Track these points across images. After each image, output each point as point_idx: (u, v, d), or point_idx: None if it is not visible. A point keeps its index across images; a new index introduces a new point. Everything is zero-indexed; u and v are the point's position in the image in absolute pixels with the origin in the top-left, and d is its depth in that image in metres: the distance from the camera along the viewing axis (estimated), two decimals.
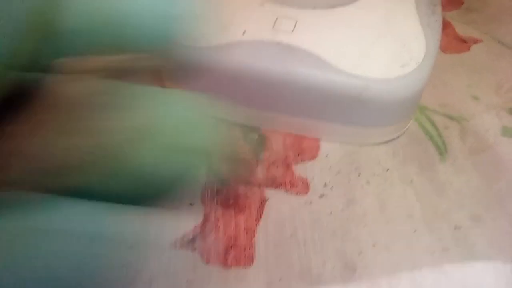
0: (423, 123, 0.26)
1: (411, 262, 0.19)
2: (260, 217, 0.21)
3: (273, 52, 0.22)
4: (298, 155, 0.24)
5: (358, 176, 0.23)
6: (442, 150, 0.24)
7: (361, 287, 0.17)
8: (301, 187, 0.22)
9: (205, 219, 0.21)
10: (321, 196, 0.22)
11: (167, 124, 0.11)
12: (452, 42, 0.32)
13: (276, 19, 0.23)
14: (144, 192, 0.11)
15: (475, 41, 0.32)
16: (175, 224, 0.20)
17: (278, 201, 0.21)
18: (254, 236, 0.20)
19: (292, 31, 0.23)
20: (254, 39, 0.23)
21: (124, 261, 0.18)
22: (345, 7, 0.24)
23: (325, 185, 0.22)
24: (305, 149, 0.24)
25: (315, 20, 0.23)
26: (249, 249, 0.19)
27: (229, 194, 0.22)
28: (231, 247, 0.19)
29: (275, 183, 0.22)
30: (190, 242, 0.19)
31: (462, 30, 0.32)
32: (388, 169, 0.23)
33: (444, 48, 0.31)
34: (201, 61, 0.23)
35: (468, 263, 0.18)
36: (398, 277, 0.17)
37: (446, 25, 0.33)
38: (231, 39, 0.23)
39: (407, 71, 0.22)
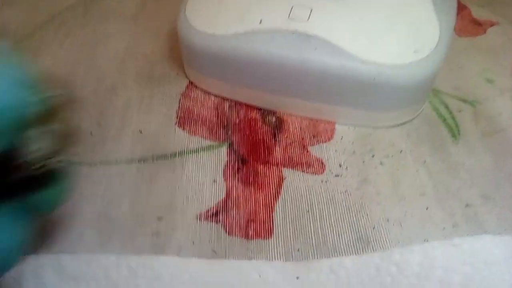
0: (436, 106, 0.26)
1: (422, 236, 0.20)
2: (279, 194, 0.22)
3: (289, 40, 0.23)
4: (314, 137, 0.25)
5: (372, 157, 0.24)
6: (455, 132, 0.25)
7: (374, 257, 0.18)
8: (317, 167, 0.24)
9: (227, 195, 0.22)
10: (336, 175, 0.23)
11: None
12: (468, 25, 0.32)
13: (292, 8, 0.24)
14: None
15: (491, 24, 0.32)
16: (200, 199, 0.22)
17: (295, 180, 0.23)
18: (273, 211, 0.21)
19: (307, 19, 0.23)
20: (271, 28, 0.24)
21: (155, 230, 0.20)
22: None
23: (340, 165, 0.24)
24: (320, 132, 0.25)
25: (330, 8, 0.24)
26: (269, 223, 0.21)
27: (249, 173, 0.23)
28: (251, 220, 0.21)
29: (292, 163, 0.24)
30: (214, 215, 0.21)
31: (478, 13, 0.32)
32: (401, 151, 0.24)
33: (460, 31, 0.31)
34: (220, 48, 0.25)
35: (477, 236, 0.18)
36: (410, 248, 0.18)
37: (462, 8, 0.33)
38: (248, 28, 0.24)
39: (420, 57, 0.23)
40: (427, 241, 0.19)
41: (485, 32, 0.31)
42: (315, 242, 0.20)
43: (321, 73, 0.23)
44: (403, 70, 0.22)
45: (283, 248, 0.20)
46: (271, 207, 0.22)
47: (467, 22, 0.32)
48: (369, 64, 0.22)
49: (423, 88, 0.24)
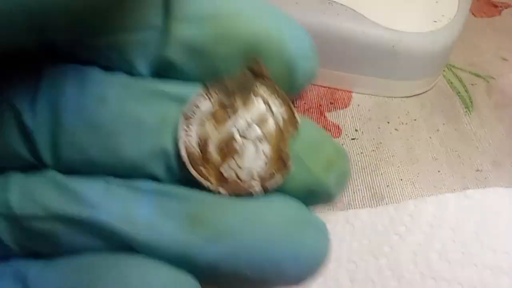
0: (451, 80, 0.27)
1: (434, 195, 0.21)
2: None
3: (312, 4, 0.24)
4: (331, 103, 0.26)
5: (388, 124, 0.25)
6: (468, 104, 0.26)
7: (388, 209, 0.19)
8: (334, 131, 0.24)
9: None
10: (353, 139, 0.24)
11: None
12: (484, 6, 0.32)
13: None
14: None
15: (507, 6, 0.32)
16: None
17: None
18: None
19: None
20: None
21: None
22: None
23: (356, 130, 0.24)
24: (337, 99, 0.26)
25: None
26: None
27: None
28: None
29: None
30: None
31: None
32: (415, 119, 0.25)
33: (475, 11, 0.32)
34: None
35: (490, 188, 0.19)
36: (424, 199, 0.19)
37: None
38: None
39: (439, 26, 0.24)
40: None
41: (500, 13, 0.32)
42: None
43: (343, 39, 0.24)
44: (422, 38, 0.23)
45: None
46: None
47: (482, 3, 0.33)
48: (390, 31, 0.23)
49: (440, 58, 0.25)
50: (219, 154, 0.11)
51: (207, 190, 0.11)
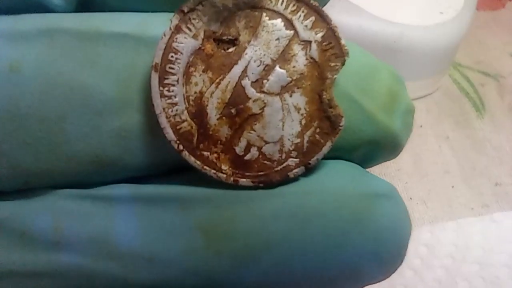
0: (457, 80, 0.24)
1: (450, 217, 0.18)
2: None
3: None
4: None
5: None
6: (479, 107, 0.23)
7: None
8: None
9: None
10: None
11: None
12: None
13: None
14: None
15: None
16: None
17: None
18: None
19: None
20: None
21: None
22: None
23: None
24: None
25: None
26: None
27: None
28: None
29: None
30: None
31: None
32: (421, 126, 0.22)
33: (478, 5, 0.29)
34: None
35: None
36: (442, 225, 0.16)
37: None
38: None
39: (445, 19, 0.21)
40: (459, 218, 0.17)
41: (504, 6, 0.29)
42: None
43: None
44: (427, 32, 0.20)
45: None
46: None
47: None
48: (390, 25, 0.20)
49: (447, 55, 0.22)
50: (227, 123, 0.07)
51: (219, 182, 0.07)
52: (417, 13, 0.20)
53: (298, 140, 0.07)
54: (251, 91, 0.07)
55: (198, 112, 0.07)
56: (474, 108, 0.23)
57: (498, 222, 0.16)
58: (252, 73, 0.07)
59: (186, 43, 0.07)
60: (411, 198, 0.19)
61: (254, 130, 0.07)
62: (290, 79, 0.07)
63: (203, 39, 0.07)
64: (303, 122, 0.07)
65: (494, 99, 0.23)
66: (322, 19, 0.07)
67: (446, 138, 0.21)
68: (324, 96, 0.07)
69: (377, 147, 0.08)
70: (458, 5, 0.21)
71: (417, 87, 0.23)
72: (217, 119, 0.07)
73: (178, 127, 0.07)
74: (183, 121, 0.07)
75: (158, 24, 0.07)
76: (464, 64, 0.25)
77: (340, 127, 0.07)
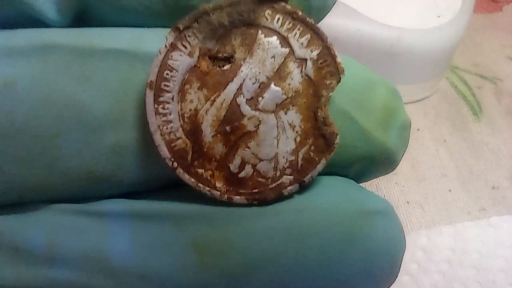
0: (454, 83, 0.24)
1: (447, 221, 0.18)
2: None
3: None
4: None
5: None
6: (476, 110, 0.23)
7: None
8: None
9: None
10: None
11: None
12: (483, 2, 0.30)
13: None
14: None
15: (508, 1, 0.30)
16: None
17: None
18: None
19: None
20: None
21: None
22: None
23: None
24: None
25: None
26: None
27: None
28: None
29: None
30: None
31: None
32: (418, 129, 0.22)
33: (476, 8, 0.29)
34: None
35: None
36: (439, 230, 0.16)
37: None
38: None
39: (443, 22, 0.21)
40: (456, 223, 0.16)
41: (501, 9, 0.29)
42: None
43: (334, 37, 0.20)
44: (424, 35, 0.20)
45: None
46: None
47: None
48: (387, 28, 0.20)
49: (444, 58, 0.22)
50: (222, 141, 0.07)
51: (214, 200, 0.07)
52: (414, 16, 0.20)
53: (293, 158, 0.07)
54: (246, 109, 0.07)
55: (193, 130, 0.07)
56: (472, 111, 0.23)
57: (496, 227, 0.16)
58: (247, 91, 0.07)
59: (182, 60, 0.07)
60: (408, 202, 0.18)
61: (249, 148, 0.07)
62: (285, 96, 0.07)
63: (198, 57, 0.07)
64: (298, 139, 0.07)
65: (491, 102, 0.23)
66: (318, 36, 0.07)
67: (443, 141, 0.21)
68: (319, 114, 0.07)
69: (372, 163, 0.08)
70: (455, 8, 0.21)
71: (414, 90, 0.23)
72: (212, 137, 0.07)
73: (172, 145, 0.07)
74: (178, 138, 0.07)
75: (153, 39, 0.07)
76: (461, 67, 0.25)
77: (334, 145, 0.07)
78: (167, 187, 0.07)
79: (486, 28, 0.28)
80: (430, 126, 0.22)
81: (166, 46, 0.07)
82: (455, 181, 0.20)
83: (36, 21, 0.07)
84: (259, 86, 0.07)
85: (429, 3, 0.21)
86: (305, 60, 0.07)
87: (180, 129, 0.07)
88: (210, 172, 0.07)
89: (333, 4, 0.08)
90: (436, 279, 0.15)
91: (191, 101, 0.07)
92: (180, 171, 0.07)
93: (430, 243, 0.15)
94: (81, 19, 0.07)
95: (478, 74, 0.25)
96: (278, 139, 0.07)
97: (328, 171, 0.07)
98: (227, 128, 0.07)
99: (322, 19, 0.08)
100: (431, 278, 0.15)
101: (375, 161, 0.08)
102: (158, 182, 0.07)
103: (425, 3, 0.21)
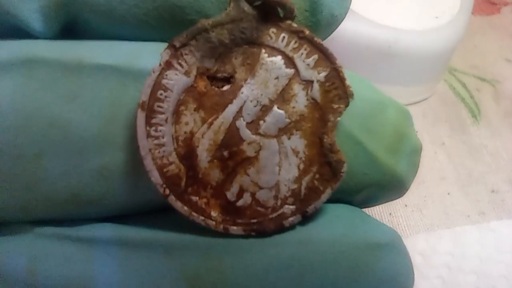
0: (453, 85, 0.24)
1: (446, 224, 0.17)
2: None
3: None
4: None
5: None
6: (475, 112, 0.22)
7: None
8: None
9: None
10: None
11: None
12: (482, 4, 0.30)
13: None
14: None
15: (505, 3, 0.30)
16: None
17: None
18: None
19: None
20: None
21: None
22: None
23: None
24: None
25: None
26: None
27: None
28: None
29: None
30: None
31: None
32: (417, 131, 0.21)
33: (474, 10, 0.29)
34: None
35: None
36: (438, 234, 0.15)
37: None
38: None
39: (441, 23, 0.20)
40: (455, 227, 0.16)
41: (499, 11, 0.29)
42: None
43: (330, 38, 0.20)
44: (422, 36, 0.20)
45: None
46: None
47: (480, 1, 0.30)
48: (385, 29, 0.20)
49: (443, 60, 0.21)
50: (219, 166, 0.06)
51: (208, 229, 0.06)
52: (412, 17, 0.20)
53: (295, 186, 0.07)
54: (246, 133, 0.06)
55: (188, 154, 0.06)
56: (470, 114, 0.22)
57: (496, 231, 0.15)
58: (248, 114, 0.06)
59: (177, 80, 0.06)
60: (406, 205, 0.18)
61: (248, 175, 0.06)
62: (289, 120, 0.06)
63: (195, 76, 0.06)
64: (301, 166, 0.07)
65: (490, 105, 0.23)
66: (326, 57, 0.07)
67: (442, 144, 0.21)
68: (325, 140, 0.07)
69: (381, 190, 0.07)
70: (454, 9, 0.21)
71: (412, 92, 0.23)
72: (208, 162, 0.06)
73: (165, 170, 0.06)
74: (171, 163, 0.06)
75: (147, 55, 0.06)
76: (459, 69, 0.25)
77: (341, 174, 0.07)
78: (159, 210, 0.07)
79: (484, 30, 0.27)
80: (429, 128, 0.22)
81: (160, 64, 0.06)
82: (454, 184, 0.19)
83: (21, 32, 0.06)
84: (261, 109, 0.06)
85: (428, 4, 0.21)
86: (312, 82, 0.07)
87: (174, 153, 0.06)
88: (205, 199, 0.06)
89: (342, 20, 0.07)
90: (435, 284, 0.14)
91: (187, 123, 0.06)
92: (172, 198, 0.06)
93: (429, 248, 0.15)
94: (70, 30, 0.07)
95: (477, 76, 0.24)
96: (280, 166, 0.06)
97: (333, 198, 0.07)
98: (225, 153, 0.06)
99: (330, 35, 0.07)
100: (430, 284, 0.14)
101: (383, 188, 0.07)
102: (149, 207, 0.07)
103: (424, 4, 0.21)
